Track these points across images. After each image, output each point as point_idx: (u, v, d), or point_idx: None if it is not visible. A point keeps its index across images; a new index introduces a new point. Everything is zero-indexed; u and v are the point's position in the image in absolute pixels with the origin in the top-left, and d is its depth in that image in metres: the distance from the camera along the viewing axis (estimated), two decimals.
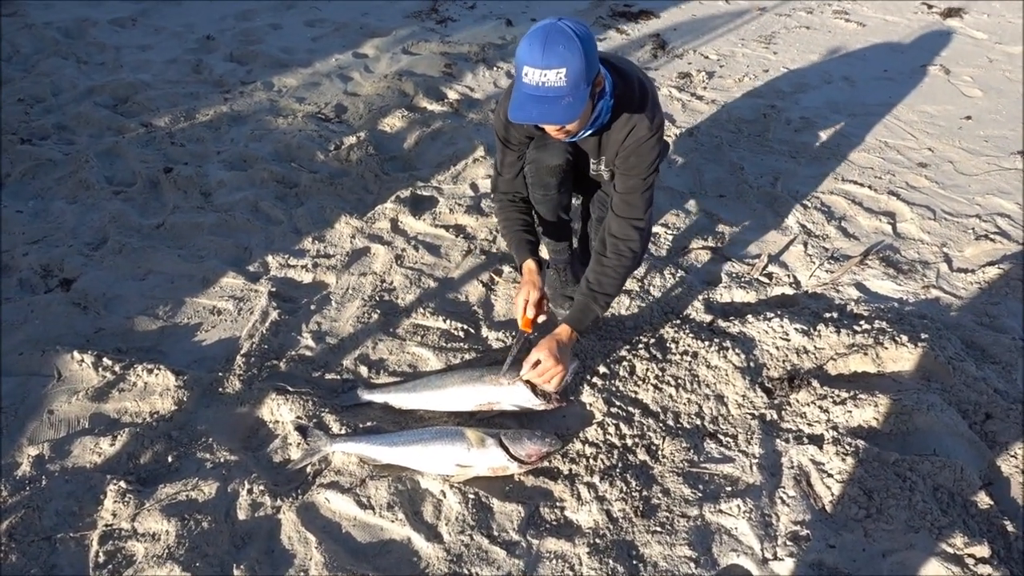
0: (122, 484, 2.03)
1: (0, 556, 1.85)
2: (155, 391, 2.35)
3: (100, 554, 1.89)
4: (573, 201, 2.69)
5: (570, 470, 2.16)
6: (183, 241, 3.08)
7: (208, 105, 4.13)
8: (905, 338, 2.51)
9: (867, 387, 2.40)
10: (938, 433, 2.23)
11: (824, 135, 4.05)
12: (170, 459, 2.16)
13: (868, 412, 2.28)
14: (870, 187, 3.56)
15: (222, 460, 2.16)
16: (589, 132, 2.22)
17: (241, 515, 2.01)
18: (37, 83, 4.19)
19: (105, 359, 2.42)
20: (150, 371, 2.39)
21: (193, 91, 4.31)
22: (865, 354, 2.51)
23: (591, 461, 2.17)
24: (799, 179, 3.64)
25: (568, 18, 1.98)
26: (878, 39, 5.35)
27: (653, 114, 2.20)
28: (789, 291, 2.89)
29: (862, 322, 2.62)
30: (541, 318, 2.43)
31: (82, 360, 2.42)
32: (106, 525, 1.95)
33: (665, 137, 2.36)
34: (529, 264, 2.46)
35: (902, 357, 2.48)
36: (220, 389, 2.39)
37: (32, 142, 3.60)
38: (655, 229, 3.19)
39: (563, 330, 2.32)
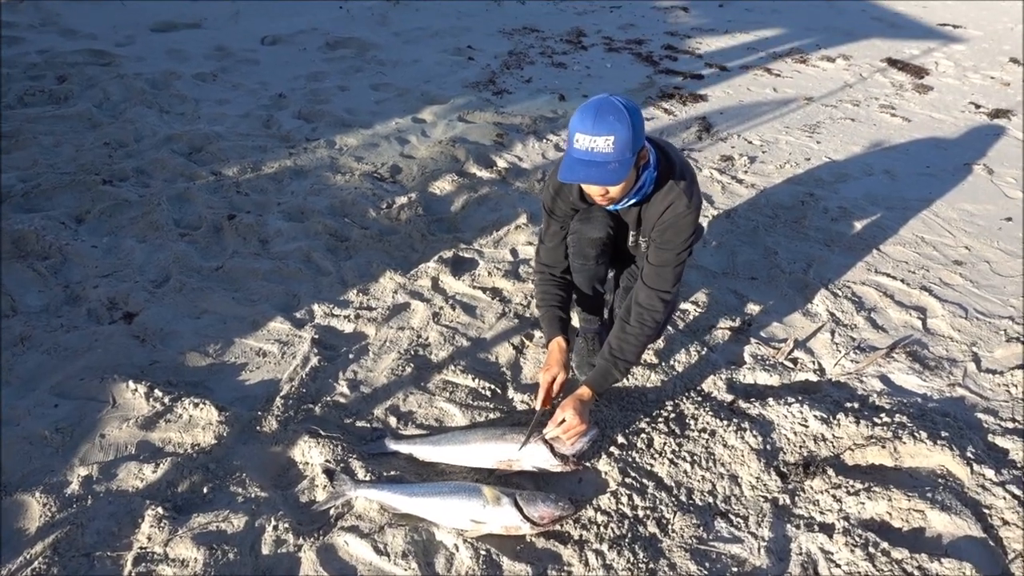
0: (159, 510, 2.18)
1: (43, 568, 1.99)
2: (199, 424, 2.51)
3: (132, 574, 2.01)
4: (608, 275, 2.83)
5: (580, 536, 2.22)
6: (238, 284, 3.30)
7: (274, 158, 4.43)
8: (925, 434, 2.53)
9: (882, 480, 2.42)
10: (952, 534, 2.24)
11: (860, 226, 4.12)
12: (205, 490, 2.30)
13: (881, 505, 2.30)
14: (903, 280, 3.60)
15: (252, 495, 2.29)
16: (632, 202, 2.38)
17: (265, 550, 2.12)
18: (122, 129, 4.55)
19: (156, 390, 2.60)
20: (196, 405, 2.56)
21: (262, 144, 4.62)
22: (883, 447, 2.53)
23: (602, 529, 2.23)
24: (832, 267, 3.71)
25: (619, 95, 2.18)
26: (923, 135, 5.44)
27: (691, 192, 2.36)
28: (813, 378, 2.94)
29: (883, 415, 2.65)
30: (560, 397, 2.55)
31: (136, 390, 2.61)
32: (141, 548, 2.09)
33: (702, 218, 2.49)
34: (560, 342, 2.61)
35: (920, 453, 2.50)
36: (258, 427, 2.54)
37: (112, 183, 3.90)
38: (685, 305, 3.29)
39: (584, 391, 2.45)
